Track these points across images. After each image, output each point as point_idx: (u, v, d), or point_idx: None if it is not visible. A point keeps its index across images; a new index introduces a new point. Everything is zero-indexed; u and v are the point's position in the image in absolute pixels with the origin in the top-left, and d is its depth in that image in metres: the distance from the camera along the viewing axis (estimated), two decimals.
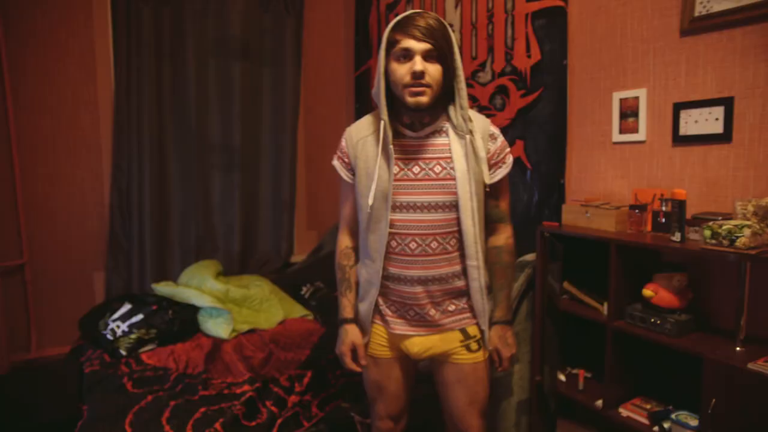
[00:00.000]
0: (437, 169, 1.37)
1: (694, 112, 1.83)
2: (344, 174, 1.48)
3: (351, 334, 1.48)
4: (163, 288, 2.66)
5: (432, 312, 1.42)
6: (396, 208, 1.37)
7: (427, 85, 1.30)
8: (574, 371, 2.06)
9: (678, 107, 1.87)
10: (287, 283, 2.93)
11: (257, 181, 3.39)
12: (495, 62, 2.62)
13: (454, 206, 1.37)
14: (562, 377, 2.06)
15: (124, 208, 2.99)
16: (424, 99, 1.31)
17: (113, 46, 2.95)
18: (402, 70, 1.30)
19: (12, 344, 2.73)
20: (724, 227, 1.47)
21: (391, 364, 1.51)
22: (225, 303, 2.56)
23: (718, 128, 1.76)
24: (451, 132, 1.37)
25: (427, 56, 1.29)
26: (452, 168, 1.36)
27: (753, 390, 1.36)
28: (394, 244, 1.39)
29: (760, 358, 1.40)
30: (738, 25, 1.69)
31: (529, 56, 2.45)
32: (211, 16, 3.16)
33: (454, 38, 1.35)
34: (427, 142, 1.38)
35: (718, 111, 1.75)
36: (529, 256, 2.13)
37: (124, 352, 2.20)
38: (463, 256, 1.40)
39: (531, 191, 2.47)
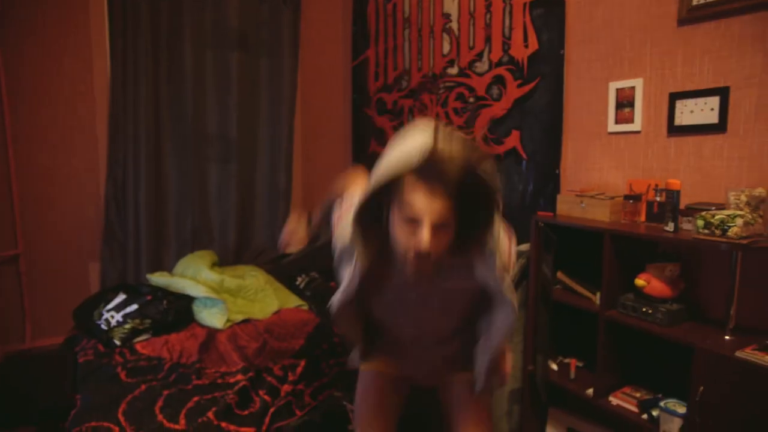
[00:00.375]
0: (436, 300, 1.27)
1: (690, 102, 1.82)
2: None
3: (295, 222, 1.73)
4: (158, 278, 2.66)
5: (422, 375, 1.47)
6: (386, 317, 1.36)
7: (431, 258, 1.09)
8: (566, 360, 2.07)
9: (674, 97, 1.86)
10: (282, 273, 2.93)
11: (253, 172, 3.38)
12: (492, 52, 2.61)
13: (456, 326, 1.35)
14: (554, 366, 2.07)
15: (120, 198, 2.98)
16: (425, 269, 1.13)
17: (110, 36, 2.93)
18: (403, 235, 1.07)
19: (6, 335, 2.73)
20: (716, 217, 1.47)
21: (398, 384, 1.50)
22: (220, 293, 2.56)
23: (713, 118, 1.75)
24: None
25: (440, 224, 1.05)
26: (458, 293, 1.26)
27: (740, 378, 1.36)
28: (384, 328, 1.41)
29: (748, 346, 1.40)
30: (736, 14, 1.67)
31: (526, 46, 2.44)
32: (209, 8, 3.13)
33: (493, 171, 1.05)
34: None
35: (714, 101, 1.74)
36: (523, 246, 2.13)
37: (118, 342, 2.21)
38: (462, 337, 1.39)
39: (526, 181, 2.47)
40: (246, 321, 2.44)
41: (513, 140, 2.51)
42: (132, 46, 2.92)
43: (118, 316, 2.31)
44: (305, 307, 2.65)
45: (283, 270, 2.99)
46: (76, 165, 2.96)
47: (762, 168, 1.62)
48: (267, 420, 1.79)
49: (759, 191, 1.49)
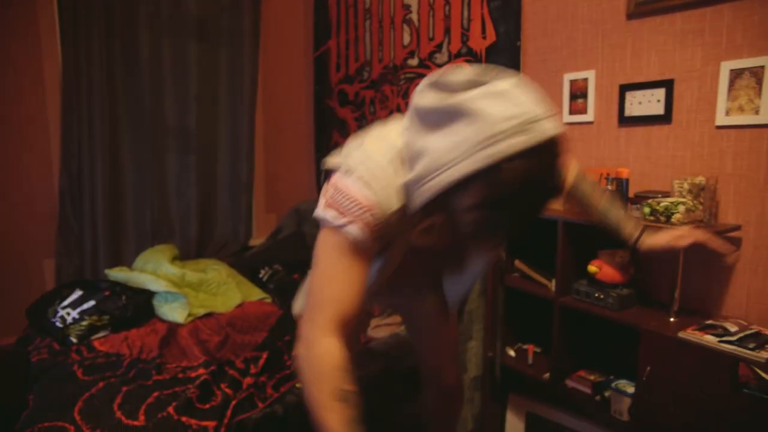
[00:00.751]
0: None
1: (638, 94, 1.88)
2: (368, 245, 0.92)
3: None
4: (117, 273, 2.60)
5: None
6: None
7: None
8: (524, 347, 2.12)
9: (624, 89, 1.92)
10: (245, 266, 2.91)
11: (214, 163, 3.33)
12: (451, 43, 2.63)
13: None
14: (512, 353, 2.12)
15: (75, 191, 2.90)
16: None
17: (60, 23, 2.83)
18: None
19: None
20: (661, 204, 1.53)
21: None
22: (181, 287, 2.53)
23: (659, 110, 1.82)
24: None
25: None
26: None
27: (682, 356, 1.44)
28: None
29: (689, 327, 1.48)
30: (678, 10, 1.74)
31: (484, 37, 2.47)
32: None
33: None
34: None
35: (660, 93, 1.81)
36: None
37: (74, 340, 2.16)
38: None
39: None
40: (208, 315, 2.42)
41: None
42: (84, 32, 2.82)
43: (75, 313, 2.26)
44: (268, 300, 2.64)
45: (245, 263, 2.97)
46: (27, 158, 2.85)
47: (702, 157, 1.69)
48: (228, 413, 1.78)
49: (699, 179, 1.56)
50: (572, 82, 2.10)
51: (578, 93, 2.09)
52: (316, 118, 3.75)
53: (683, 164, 1.74)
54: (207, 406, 1.83)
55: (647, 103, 1.86)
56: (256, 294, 2.68)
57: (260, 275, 2.86)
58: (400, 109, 2.96)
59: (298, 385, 1.93)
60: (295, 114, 3.76)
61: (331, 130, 3.57)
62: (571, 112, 2.12)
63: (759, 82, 1.56)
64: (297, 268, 2.90)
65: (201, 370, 2.01)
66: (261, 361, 2.05)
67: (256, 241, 3.41)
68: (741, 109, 1.61)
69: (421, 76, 2.80)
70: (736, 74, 1.61)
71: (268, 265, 2.91)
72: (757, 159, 1.58)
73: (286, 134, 3.73)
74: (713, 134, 1.67)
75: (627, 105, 1.92)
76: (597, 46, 2.00)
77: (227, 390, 1.89)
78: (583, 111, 2.07)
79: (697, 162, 1.70)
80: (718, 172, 1.64)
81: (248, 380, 1.95)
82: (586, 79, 2.05)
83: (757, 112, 1.57)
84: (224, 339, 2.27)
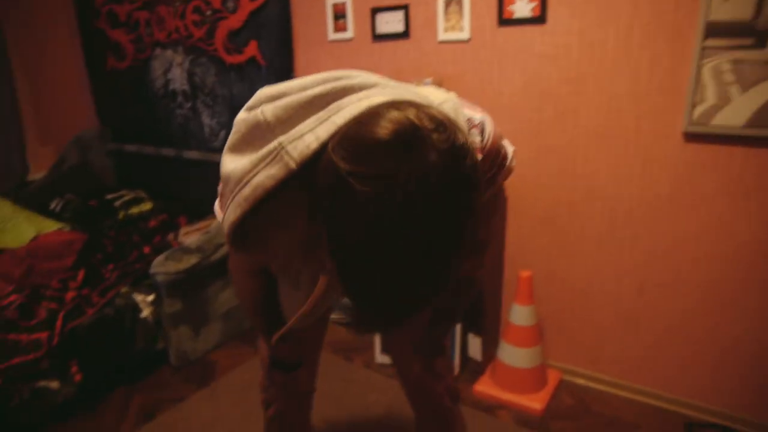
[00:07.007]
0: None
1: (386, 15, 2.37)
2: None
3: None
4: None
5: None
6: None
7: None
8: None
9: (374, 11, 2.38)
10: (31, 200, 2.80)
11: None
12: None
13: None
14: None
15: None
16: None
17: None
18: None
19: None
20: None
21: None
22: None
23: (401, 28, 2.33)
24: None
25: None
26: None
27: None
28: None
29: None
30: None
31: None
32: None
33: None
34: None
35: (400, 15, 2.32)
36: None
37: None
38: None
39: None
40: (0, 252, 2.35)
41: (252, 50, 2.80)
42: None
43: None
44: (67, 228, 2.64)
45: (30, 198, 2.84)
46: None
47: (431, 64, 2.28)
48: (59, 323, 1.88)
49: (428, 80, 2.13)
50: (334, 5, 2.49)
51: (339, 14, 2.49)
52: (84, 42, 3.51)
53: (419, 69, 2.31)
54: (32, 322, 1.91)
55: (393, 22, 2.35)
56: (50, 225, 2.64)
57: (51, 207, 2.79)
58: (179, 32, 3.02)
59: (123, 290, 2.11)
60: (58, 38, 3.46)
61: (105, 54, 3.42)
62: (335, 30, 2.52)
63: (461, 9, 2.16)
64: (90, 195, 2.89)
65: (14, 297, 2.04)
66: (80, 277, 2.16)
67: (36, 175, 3.21)
68: (453, 28, 2.20)
69: None
70: (447, 2, 2.18)
71: (58, 196, 2.84)
72: (470, 63, 2.20)
73: (48, 60, 3.43)
74: (437, 47, 2.25)
75: (377, 24, 2.40)
76: None
77: (51, 305, 1.99)
78: (344, 29, 2.50)
79: (427, 68, 2.28)
80: (443, 74, 2.25)
81: (71, 294, 2.06)
82: (344, 3, 2.46)
83: (462, 30, 2.18)
84: (28, 269, 2.27)
